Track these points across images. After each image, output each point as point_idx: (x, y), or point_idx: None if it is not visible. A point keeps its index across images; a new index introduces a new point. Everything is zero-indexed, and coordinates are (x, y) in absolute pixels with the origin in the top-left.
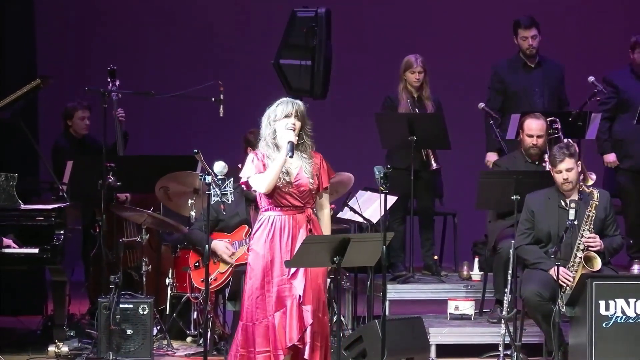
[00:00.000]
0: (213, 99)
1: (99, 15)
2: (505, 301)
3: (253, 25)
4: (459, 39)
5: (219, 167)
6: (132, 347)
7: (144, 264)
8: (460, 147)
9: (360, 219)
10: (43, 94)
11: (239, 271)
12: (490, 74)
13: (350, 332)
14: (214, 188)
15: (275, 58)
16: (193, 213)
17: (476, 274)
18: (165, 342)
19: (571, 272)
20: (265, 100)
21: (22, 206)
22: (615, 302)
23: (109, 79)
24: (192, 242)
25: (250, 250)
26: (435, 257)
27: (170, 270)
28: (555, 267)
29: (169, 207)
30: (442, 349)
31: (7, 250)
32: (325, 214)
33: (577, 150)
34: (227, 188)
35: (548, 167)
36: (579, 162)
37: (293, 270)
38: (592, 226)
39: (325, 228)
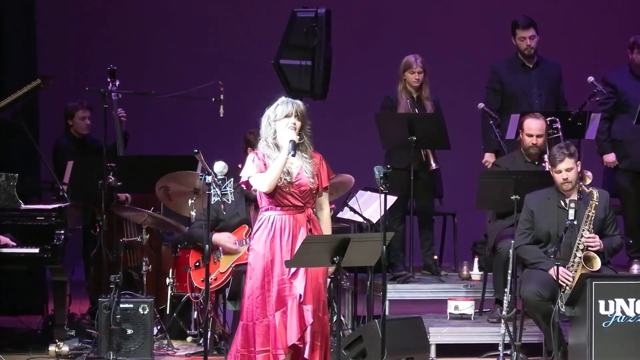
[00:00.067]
0: (213, 99)
1: (100, 15)
2: (505, 301)
3: (253, 25)
4: (458, 39)
5: (219, 167)
6: (133, 346)
7: (144, 263)
8: (460, 147)
9: (360, 219)
10: (43, 94)
11: (239, 271)
12: (488, 74)
13: (350, 331)
14: (214, 188)
15: (275, 58)
16: (193, 213)
17: (476, 273)
18: (165, 341)
19: (571, 272)
20: (265, 101)
21: (23, 206)
22: (614, 301)
23: (109, 79)
24: (193, 238)
25: (250, 250)
26: (435, 257)
27: (171, 270)
28: (555, 267)
29: (169, 207)
30: (442, 349)
31: (7, 250)
32: (325, 213)
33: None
34: (227, 188)
35: (548, 167)
36: (579, 162)
37: (293, 269)
38: (591, 226)
39: (326, 228)
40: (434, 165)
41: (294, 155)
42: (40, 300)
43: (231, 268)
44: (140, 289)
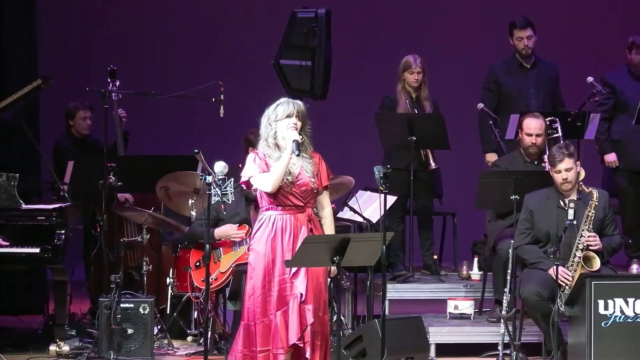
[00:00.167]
0: (213, 99)
1: (100, 15)
2: (504, 301)
3: (253, 25)
4: (458, 39)
5: (220, 167)
6: (133, 346)
7: (144, 263)
8: (460, 147)
9: (360, 219)
10: (44, 94)
11: (240, 271)
12: (485, 74)
13: (350, 331)
14: (214, 188)
15: (275, 58)
16: (193, 213)
17: (475, 273)
18: (165, 341)
19: (570, 271)
20: (265, 101)
21: (24, 206)
22: (614, 301)
23: (109, 79)
24: (194, 237)
25: (250, 250)
26: (435, 257)
27: (171, 270)
28: (555, 267)
29: (170, 207)
30: (442, 348)
31: (8, 250)
32: (328, 212)
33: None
34: (228, 188)
35: (547, 167)
36: (578, 162)
37: (295, 269)
38: (591, 226)
39: (329, 225)
40: (433, 165)
41: (298, 156)
42: (40, 300)
43: (231, 268)
44: (140, 289)
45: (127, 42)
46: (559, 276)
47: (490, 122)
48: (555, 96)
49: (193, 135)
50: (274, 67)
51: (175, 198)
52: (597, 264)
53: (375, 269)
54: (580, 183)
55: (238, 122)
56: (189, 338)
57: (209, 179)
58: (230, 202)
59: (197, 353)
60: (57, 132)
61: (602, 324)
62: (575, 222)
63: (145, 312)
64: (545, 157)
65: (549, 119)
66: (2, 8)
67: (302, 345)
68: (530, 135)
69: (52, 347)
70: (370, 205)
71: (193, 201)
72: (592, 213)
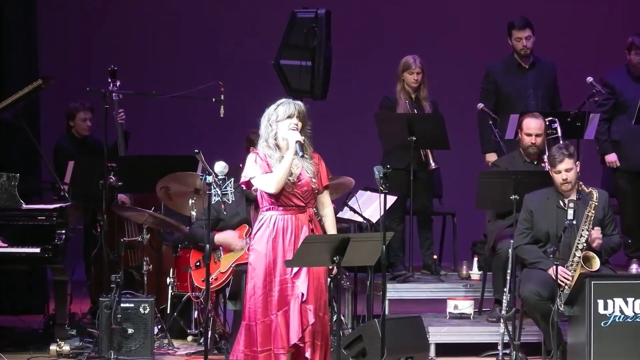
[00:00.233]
0: (214, 100)
1: (100, 15)
2: (504, 300)
3: (253, 25)
4: (458, 39)
5: (220, 167)
6: (133, 346)
7: (145, 263)
8: (460, 147)
9: (360, 219)
10: (45, 94)
11: (240, 271)
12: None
13: (350, 331)
14: (214, 188)
15: (275, 58)
16: (194, 213)
17: (475, 273)
18: (166, 341)
19: (570, 271)
20: (265, 101)
21: (24, 206)
22: (613, 301)
23: (109, 80)
24: (195, 239)
25: (251, 250)
26: (435, 257)
27: (171, 270)
28: (554, 267)
29: (170, 207)
30: (442, 348)
31: (8, 250)
32: (329, 211)
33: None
34: (228, 188)
35: (547, 167)
36: (578, 162)
37: (296, 269)
38: (590, 226)
39: (331, 224)
40: (433, 164)
41: (302, 157)
42: (41, 299)
43: (232, 268)
44: (141, 289)
45: (127, 42)
46: (559, 276)
47: (490, 122)
48: (554, 96)
49: (193, 135)
50: (274, 67)
51: (176, 198)
52: (596, 264)
53: (375, 268)
54: (580, 183)
55: (238, 122)
56: (189, 338)
57: (209, 179)
58: (230, 202)
59: (197, 353)
60: (58, 132)
61: (602, 324)
62: (574, 222)
63: (146, 311)
64: (545, 157)
65: (549, 119)
66: (2, 8)
67: (302, 345)
68: (529, 135)
69: (53, 347)
70: (370, 205)
71: (193, 201)
72: (592, 213)
